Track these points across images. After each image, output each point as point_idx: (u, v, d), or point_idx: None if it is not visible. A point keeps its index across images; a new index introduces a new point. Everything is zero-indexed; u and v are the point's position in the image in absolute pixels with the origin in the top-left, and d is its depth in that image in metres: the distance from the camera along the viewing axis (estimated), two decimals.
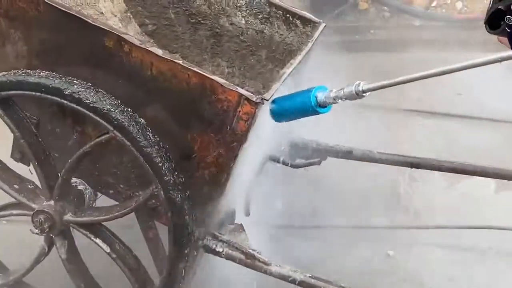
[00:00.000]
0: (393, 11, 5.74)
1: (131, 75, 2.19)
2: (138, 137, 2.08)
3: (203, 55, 2.94)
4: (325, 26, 2.71)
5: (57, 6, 2.16)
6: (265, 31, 2.82)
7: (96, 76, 2.22)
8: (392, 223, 3.32)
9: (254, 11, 2.81)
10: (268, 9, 2.79)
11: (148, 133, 2.11)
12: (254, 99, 2.10)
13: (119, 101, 2.13)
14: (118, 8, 2.91)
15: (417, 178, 3.42)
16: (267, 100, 2.14)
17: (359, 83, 2.02)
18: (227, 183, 2.28)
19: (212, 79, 2.12)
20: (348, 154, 2.92)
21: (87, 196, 2.42)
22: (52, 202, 2.31)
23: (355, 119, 3.42)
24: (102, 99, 2.09)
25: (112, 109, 2.08)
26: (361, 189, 3.27)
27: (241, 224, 2.44)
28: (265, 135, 2.37)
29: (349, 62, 3.74)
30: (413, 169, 2.88)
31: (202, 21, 2.91)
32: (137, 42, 2.15)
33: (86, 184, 2.43)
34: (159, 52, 2.15)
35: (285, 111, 2.20)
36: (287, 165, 2.79)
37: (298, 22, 2.76)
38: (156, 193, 2.14)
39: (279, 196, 2.79)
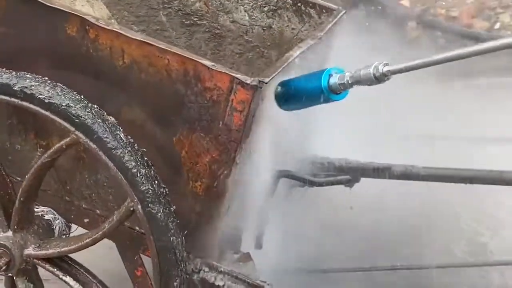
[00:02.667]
0: (450, 37, 5.48)
1: (99, 67, 2.03)
2: (105, 137, 1.88)
3: None
4: (345, 13, 2.50)
5: None
6: (273, 26, 2.66)
7: (58, 71, 2.04)
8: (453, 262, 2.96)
9: (258, 3, 2.66)
10: None
11: (118, 132, 1.90)
12: (249, 82, 1.89)
13: (81, 96, 1.93)
14: (100, 13, 2.76)
15: (488, 206, 3.04)
16: (266, 83, 1.92)
17: (379, 64, 1.89)
18: (225, 198, 2.04)
19: (196, 61, 1.93)
20: (385, 172, 2.65)
21: (57, 227, 2.22)
22: (9, 233, 2.10)
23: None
24: (60, 93, 1.90)
25: (71, 105, 1.88)
26: (409, 219, 2.94)
27: (248, 252, 2.17)
28: (276, 135, 2.14)
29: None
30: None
31: (198, 22, 2.74)
32: (103, 24, 1.98)
33: (55, 213, 2.22)
34: (130, 33, 1.96)
35: (292, 96, 2.03)
36: (306, 183, 2.52)
37: (312, 11, 2.58)
38: (132, 208, 1.91)
39: (296, 228, 2.51)
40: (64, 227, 2.26)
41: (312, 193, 2.58)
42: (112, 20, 2.80)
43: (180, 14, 2.76)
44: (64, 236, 2.26)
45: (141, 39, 1.96)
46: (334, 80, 1.95)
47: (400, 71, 1.87)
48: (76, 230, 2.34)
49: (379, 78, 1.88)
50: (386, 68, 1.87)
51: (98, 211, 2.19)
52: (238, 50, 2.72)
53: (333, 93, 1.96)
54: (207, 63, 1.92)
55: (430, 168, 2.64)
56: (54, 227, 2.23)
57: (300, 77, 2.04)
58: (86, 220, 2.22)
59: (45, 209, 2.24)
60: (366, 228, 2.79)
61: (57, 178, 2.19)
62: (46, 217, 2.23)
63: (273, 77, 1.96)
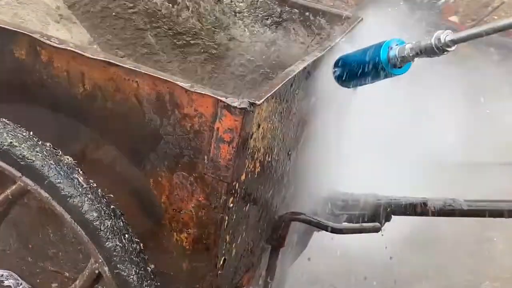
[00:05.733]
0: (505, 52, 5.05)
1: (55, 96, 1.69)
2: (59, 183, 1.51)
3: None
4: (361, 20, 2.12)
5: None
6: (278, 41, 2.33)
7: (5, 104, 1.69)
8: None
9: (259, 16, 2.34)
10: (279, 9, 2.31)
11: (76, 176, 1.52)
12: (236, 105, 1.50)
13: (31, 133, 1.56)
14: (79, 38, 2.42)
15: None
16: (258, 105, 1.53)
17: (441, 33, 1.73)
18: (218, 251, 1.66)
19: (170, 82, 1.57)
20: (421, 209, 2.22)
21: None
22: None
23: None
24: (1, 131, 1.55)
25: (16, 144, 1.52)
26: None
27: None
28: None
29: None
30: None
31: (192, 42, 2.41)
32: (55, 43, 1.62)
33: (18, 278, 1.86)
34: (89, 52, 1.60)
35: (351, 72, 1.87)
36: (328, 231, 2.11)
37: (322, 21, 2.24)
38: (97, 270, 1.52)
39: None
40: None
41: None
42: (95, 46, 2.47)
43: (171, 33, 2.43)
44: None
45: (102, 59, 1.60)
46: (394, 52, 1.79)
47: (463, 39, 1.70)
48: None
49: (442, 49, 1.73)
50: (449, 37, 1.70)
51: (67, 274, 1.86)
52: (239, 71, 2.39)
53: (393, 67, 1.80)
54: (184, 84, 1.55)
55: (474, 201, 2.21)
56: None
57: (359, 51, 1.89)
58: (54, 285, 1.91)
59: (5, 273, 1.92)
60: None
61: (16, 234, 1.88)
62: (6, 282, 1.91)
63: (267, 98, 1.57)
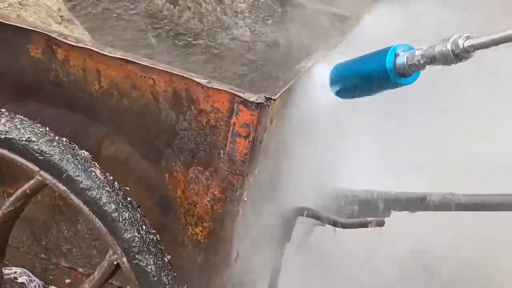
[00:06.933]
0: None
1: (71, 94, 1.71)
2: (77, 176, 1.55)
3: None
4: (364, 20, 2.17)
5: None
6: (280, 41, 2.33)
7: (21, 103, 1.72)
8: None
9: (261, 16, 2.37)
10: (280, 10, 2.32)
11: (93, 169, 1.56)
12: (253, 100, 1.55)
13: (47, 129, 1.60)
14: None
15: None
16: (274, 100, 1.57)
17: (459, 37, 1.55)
18: (232, 244, 1.71)
19: (187, 78, 1.61)
20: (420, 204, 2.27)
21: None
22: None
23: None
24: (19, 126, 1.57)
25: (34, 139, 1.55)
26: None
27: None
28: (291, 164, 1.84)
29: None
30: None
31: (193, 42, 2.45)
32: (72, 41, 1.65)
33: (30, 275, 1.88)
34: (106, 50, 1.63)
35: (351, 82, 1.73)
36: (337, 226, 2.15)
37: (324, 20, 2.25)
38: (116, 261, 1.56)
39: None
40: None
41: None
42: None
43: (172, 34, 2.47)
44: None
45: (119, 56, 1.64)
46: (402, 60, 1.61)
47: (485, 45, 1.52)
48: None
49: (460, 55, 1.54)
50: (468, 43, 1.52)
51: (80, 269, 1.89)
52: (241, 71, 2.43)
53: (401, 76, 1.63)
54: (201, 80, 1.59)
55: (473, 195, 2.26)
56: None
57: (360, 58, 1.73)
58: (67, 281, 1.93)
59: (18, 270, 1.94)
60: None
61: (30, 231, 1.90)
62: (20, 279, 1.94)
63: (281, 94, 1.61)
